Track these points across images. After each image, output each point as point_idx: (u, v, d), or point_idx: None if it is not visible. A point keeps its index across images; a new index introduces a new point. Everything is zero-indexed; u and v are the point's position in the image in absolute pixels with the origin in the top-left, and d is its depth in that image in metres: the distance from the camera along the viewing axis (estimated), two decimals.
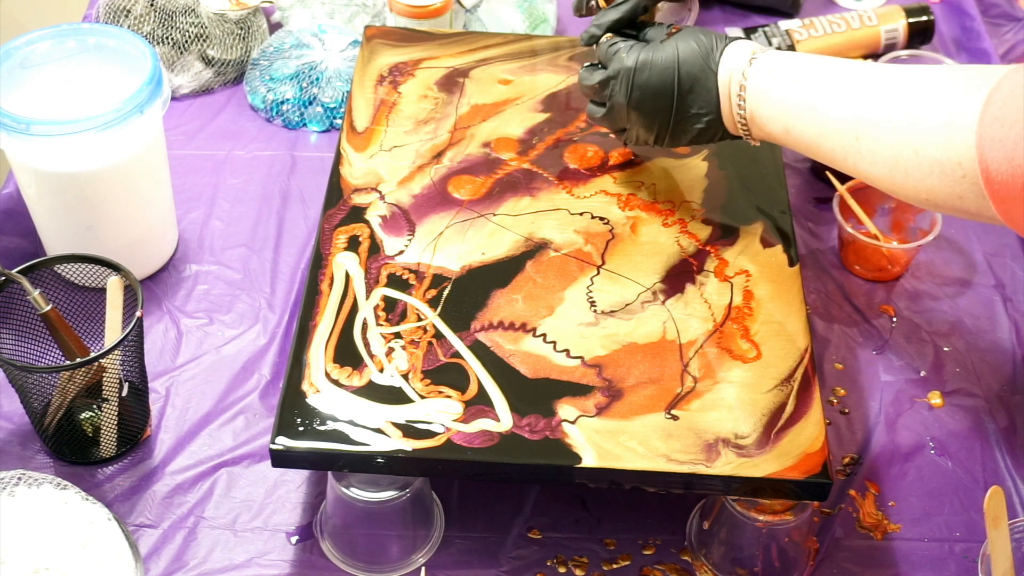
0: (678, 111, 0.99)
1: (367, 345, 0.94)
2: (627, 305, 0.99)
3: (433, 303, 0.98)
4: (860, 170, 0.89)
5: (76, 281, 1.05)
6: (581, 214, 1.06)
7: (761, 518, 0.91)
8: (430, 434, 0.89)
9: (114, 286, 0.98)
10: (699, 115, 0.99)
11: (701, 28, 1.01)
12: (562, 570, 0.95)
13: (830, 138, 0.91)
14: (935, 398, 1.09)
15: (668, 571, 0.95)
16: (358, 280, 0.99)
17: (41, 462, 1.01)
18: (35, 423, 1.01)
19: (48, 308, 0.97)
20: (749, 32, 1.40)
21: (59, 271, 1.04)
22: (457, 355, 0.94)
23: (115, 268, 0.99)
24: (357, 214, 1.05)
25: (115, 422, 0.99)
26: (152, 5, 1.33)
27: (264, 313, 1.13)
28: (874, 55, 1.39)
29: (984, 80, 0.80)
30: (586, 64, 1.06)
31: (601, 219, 1.06)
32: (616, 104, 1.02)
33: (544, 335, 0.96)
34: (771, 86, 0.95)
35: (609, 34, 1.04)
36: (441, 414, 0.90)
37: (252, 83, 1.35)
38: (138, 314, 0.96)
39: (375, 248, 1.02)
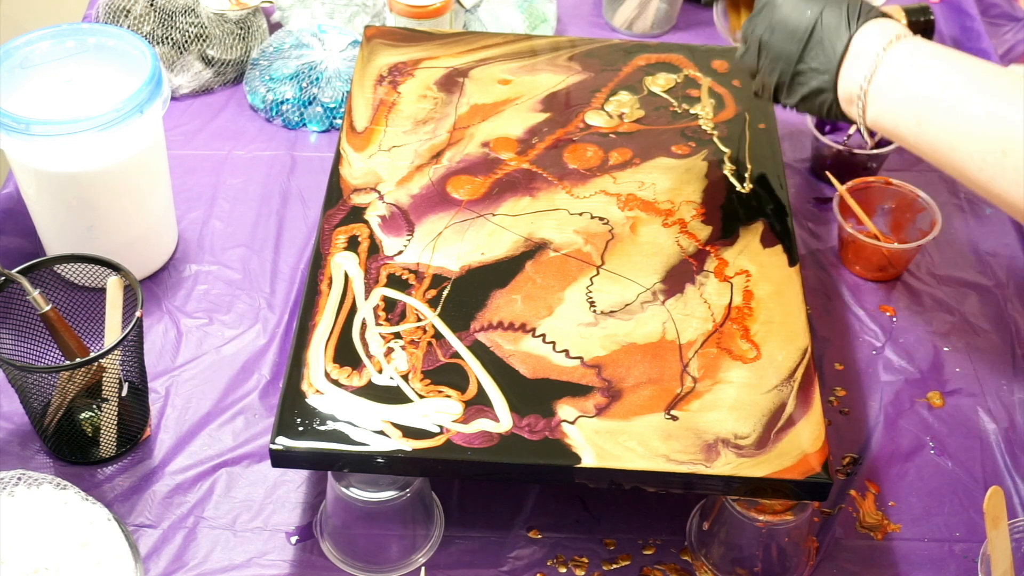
0: (799, 59, 0.97)
1: (365, 346, 0.94)
2: (627, 305, 0.99)
3: (433, 303, 0.98)
4: (996, 186, 0.84)
5: (76, 281, 1.05)
6: (581, 214, 1.06)
7: (761, 518, 0.91)
8: (430, 434, 0.89)
9: (114, 286, 0.98)
10: (815, 71, 0.96)
11: None
12: (562, 570, 0.95)
13: (970, 143, 0.85)
14: (935, 398, 1.09)
15: (668, 571, 0.95)
16: (357, 280, 0.99)
17: (41, 462, 1.01)
18: (35, 423, 1.01)
19: (48, 308, 0.97)
20: None
21: (59, 271, 1.04)
22: (456, 355, 0.94)
23: (115, 268, 0.99)
24: (357, 214, 1.05)
25: (115, 422, 0.99)
26: (152, 5, 1.33)
27: (264, 313, 1.13)
28: None
29: None
30: None
31: (601, 219, 1.06)
32: (752, 40, 1.00)
33: (543, 335, 0.96)
34: (912, 71, 0.90)
35: None
36: (441, 414, 0.90)
37: (252, 83, 1.35)
38: (138, 314, 0.96)
39: (375, 248, 1.02)
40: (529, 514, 0.98)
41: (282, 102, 1.32)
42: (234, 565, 0.95)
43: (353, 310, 0.97)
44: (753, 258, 1.03)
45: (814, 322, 1.12)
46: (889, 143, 1.25)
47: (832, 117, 0.99)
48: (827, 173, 1.23)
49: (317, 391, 0.91)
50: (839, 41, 0.94)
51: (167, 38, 1.33)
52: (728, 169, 1.11)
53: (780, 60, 0.98)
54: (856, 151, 1.24)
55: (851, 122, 0.98)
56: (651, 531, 0.98)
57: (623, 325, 0.97)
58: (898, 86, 0.91)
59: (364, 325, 0.96)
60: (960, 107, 0.87)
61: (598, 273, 1.01)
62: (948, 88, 0.88)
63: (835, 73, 0.95)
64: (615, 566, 0.96)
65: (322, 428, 0.89)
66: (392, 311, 0.97)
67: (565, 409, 0.91)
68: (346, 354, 0.94)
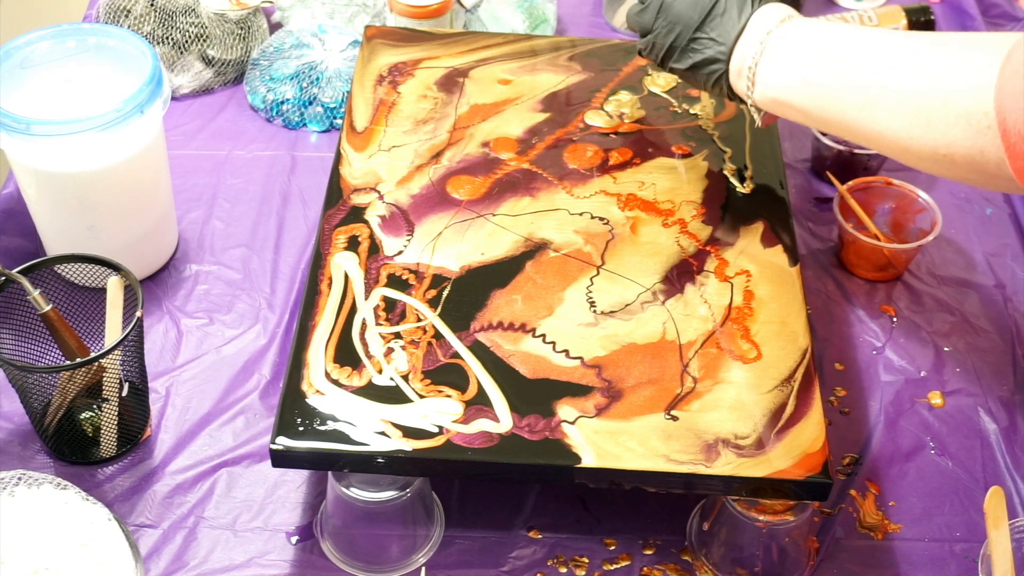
0: (698, 27, 1.00)
1: (365, 346, 0.94)
2: (627, 305, 0.99)
3: (433, 303, 0.98)
4: (877, 122, 0.89)
5: (76, 281, 1.05)
6: (581, 214, 1.06)
7: (761, 518, 0.91)
8: (430, 434, 0.89)
9: (114, 286, 0.98)
10: (713, 41, 1.00)
11: None
12: (562, 570, 0.95)
13: (852, 90, 0.90)
14: (935, 398, 1.09)
15: (668, 571, 0.95)
16: (357, 280, 0.99)
17: (41, 462, 1.01)
18: (35, 423, 1.01)
19: (48, 308, 0.97)
20: None
21: (59, 271, 1.04)
22: (457, 355, 0.94)
23: (115, 268, 0.99)
24: (357, 214, 1.05)
25: (115, 422, 0.99)
26: (152, 5, 1.33)
27: (264, 313, 1.13)
28: None
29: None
30: None
31: (601, 219, 1.05)
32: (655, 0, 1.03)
33: (544, 335, 0.96)
34: (799, 41, 0.95)
35: None
36: (441, 414, 0.90)
37: (252, 83, 1.35)
38: (138, 314, 0.96)
39: (375, 248, 1.02)
40: (529, 514, 0.98)
41: (282, 102, 1.32)
42: (234, 565, 0.95)
43: (353, 310, 0.97)
44: (753, 258, 1.03)
45: (814, 322, 1.12)
46: None
47: (713, 89, 1.03)
48: (827, 173, 1.23)
49: (317, 391, 0.91)
50: (740, 16, 0.99)
51: (167, 38, 1.33)
52: (728, 169, 1.11)
53: (679, 24, 1.02)
54: (856, 151, 1.24)
55: (733, 97, 1.03)
56: (651, 531, 0.98)
57: (623, 325, 0.97)
58: (786, 56, 0.96)
59: (364, 325, 0.96)
60: (841, 57, 0.92)
61: (598, 273, 1.01)
62: (830, 45, 0.93)
63: (731, 46, 0.99)
64: (615, 566, 0.96)
65: (322, 428, 0.89)
66: (392, 311, 0.97)
67: (565, 409, 0.91)
68: (346, 354, 0.94)
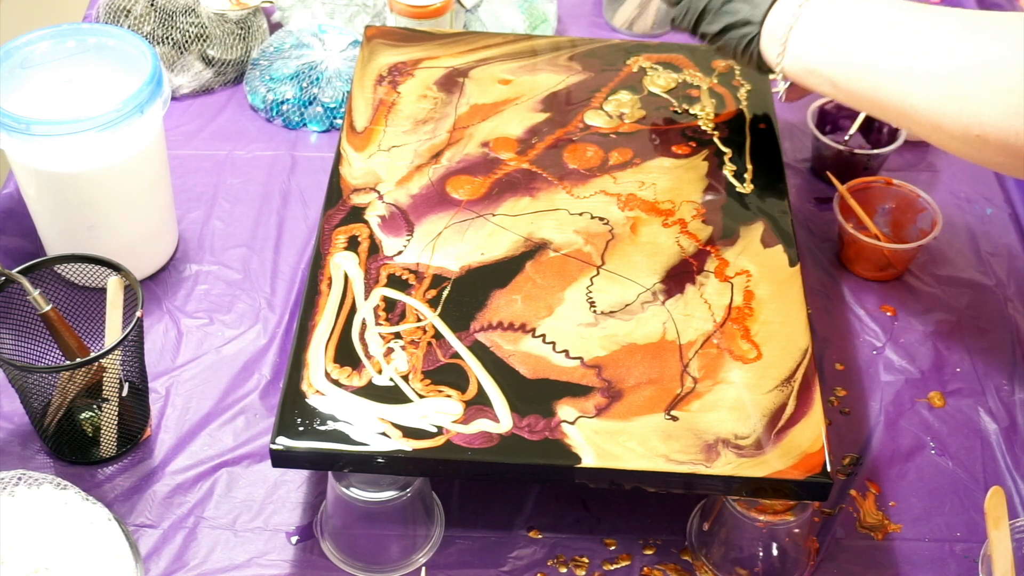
0: None
1: (365, 346, 0.94)
2: (627, 305, 0.99)
3: (433, 303, 0.98)
4: (910, 96, 0.87)
5: (76, 281, 1.05)
6: (581, 214, 1.06)
7: (761, 518, 0.91)
8: (430, 434, 0.89)
9: (114, 286, 0.98)
10: (746, 3, 0.99)
11: None
12: (562, 570, 0.95)
13: (885, 57, 0.89)
14: (935, 398, 1.09)
15: (668, 571, 0.95)
16: (357, 281, 0.99)
17: (41, 462, 1.01)
18: (35, 423, 1.01)
19: (48, 308, 0.97)
20: None
21: (59, 271, 1.04)
22: (456, 355, 0.94)
23: (115, 268, 0.99)
24: (356, 214, 1.05)
25: (115, 422, 0.99)
26: (152, 5, 1.33)
27: (264, 313, 1.13)
28: None
29: None
30: None
31: (601, 219, 1.05)
32: None
33: (543, 335, 0.96)
34: (833, 9, 0.94)
35: None
36: (441, 414, 0.90)
37: (252, 83, 1.35)
38: (138, 314, 0.96)
39: (374, 248, 1.02)
40: (529, 514, 0.98)
41: (282, 102, 1.32)
42: (234, 565, 0.95)
43: (353, 310, 0.97)
44: (753, 258, 1.03)
45: (814, 322, 1.12)
46: (890, 143, 1.25)
47: (743, 56, 1.02)
48: (827, 173, 1.23)
49: (317, 391, 0.91)
50: None
51: (167, 38, 1.33)
52: (728, 169, 1.11)
53: None
54: (856, 151, 1.24)
55: (761, 65, 1.02)
56: (651, 531, 0.98)
57: (623, 325, 0.97)
58: (822, 25, 0.95)
59: (364, 325, 0.96)
60: (876, 25, 0.90)
61: (598, 273, 1.01)
62: (866, 12, 0.92)
63: (766, 9, 0.99)
64: (615, 566, 0.96)
65: (322, 428, 0.89)
66: (392, 311, 0.97)
67: (565, 409, 0.91)
68: (346, 354, 0.94)
